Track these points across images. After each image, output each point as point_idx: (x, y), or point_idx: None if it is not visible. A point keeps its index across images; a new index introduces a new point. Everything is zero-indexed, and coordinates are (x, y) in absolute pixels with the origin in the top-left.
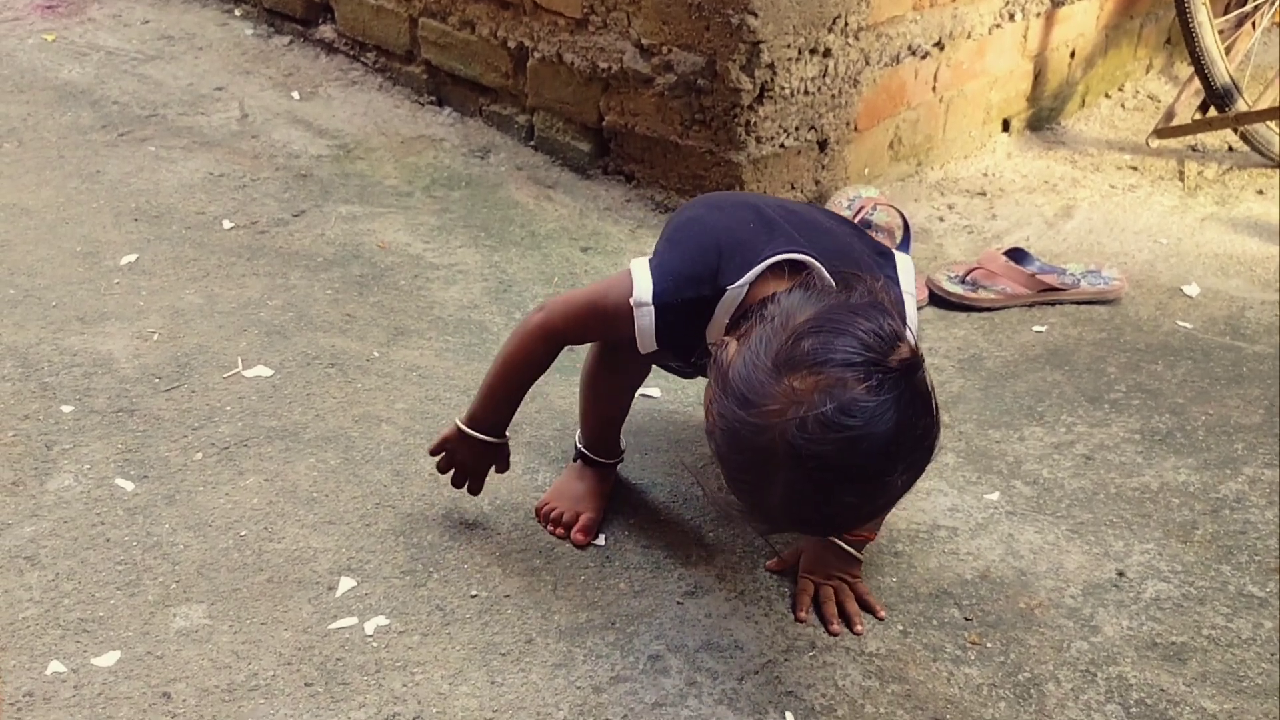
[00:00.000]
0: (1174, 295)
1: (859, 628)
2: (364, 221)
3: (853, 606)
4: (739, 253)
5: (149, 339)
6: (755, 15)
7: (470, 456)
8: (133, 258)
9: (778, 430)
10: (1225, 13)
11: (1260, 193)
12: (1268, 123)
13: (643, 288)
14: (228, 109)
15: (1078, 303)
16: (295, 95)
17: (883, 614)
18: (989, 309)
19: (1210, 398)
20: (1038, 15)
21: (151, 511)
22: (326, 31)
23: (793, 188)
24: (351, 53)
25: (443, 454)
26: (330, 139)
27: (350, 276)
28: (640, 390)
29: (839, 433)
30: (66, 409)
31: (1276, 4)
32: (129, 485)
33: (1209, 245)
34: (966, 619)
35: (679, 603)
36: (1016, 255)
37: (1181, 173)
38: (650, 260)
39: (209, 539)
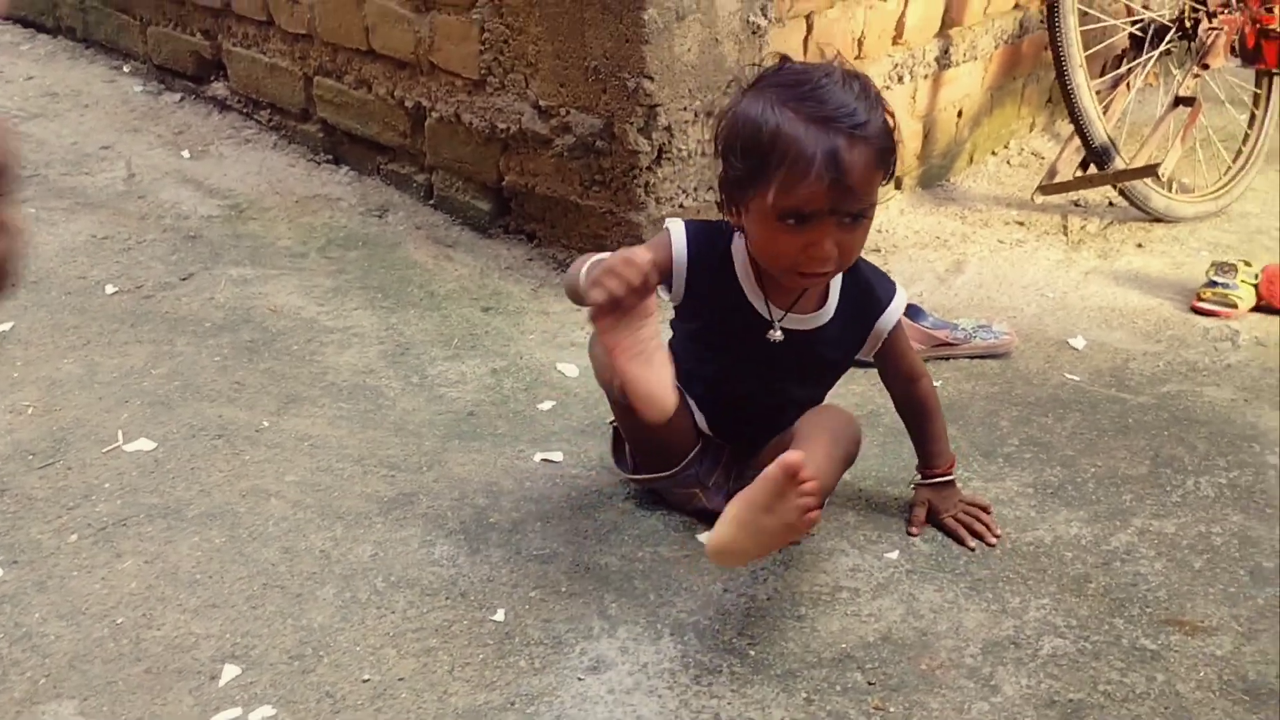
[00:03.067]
0: (1062, 348)
1: (991, 540)
2: (255, 284)
3: (978, 527)
4: None
5: (23, 413)
6: (651, 79)
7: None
8: (7, 326)
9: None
10: (1102, 74)
11: (1140, 246)
12: (1144, 179)
13: (671, 220)
14: (114, 168)
15: (970, 357)
16: (185, 154)
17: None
18: None
19: (1098, 449)
20: (925, 77)
21: (20, 599)
22: (219, 89)
23: None
24: (245, 110)
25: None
26: (221, 199)
27: (240, 342)
28: (542, 454)
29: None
30: None
31: (1149, 66)
32: None
33: (1093, 298)
34: (870, 683)
35: (580, 679)
36: (910, 311)
37: (1065, 227)
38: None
39: (82, 628)
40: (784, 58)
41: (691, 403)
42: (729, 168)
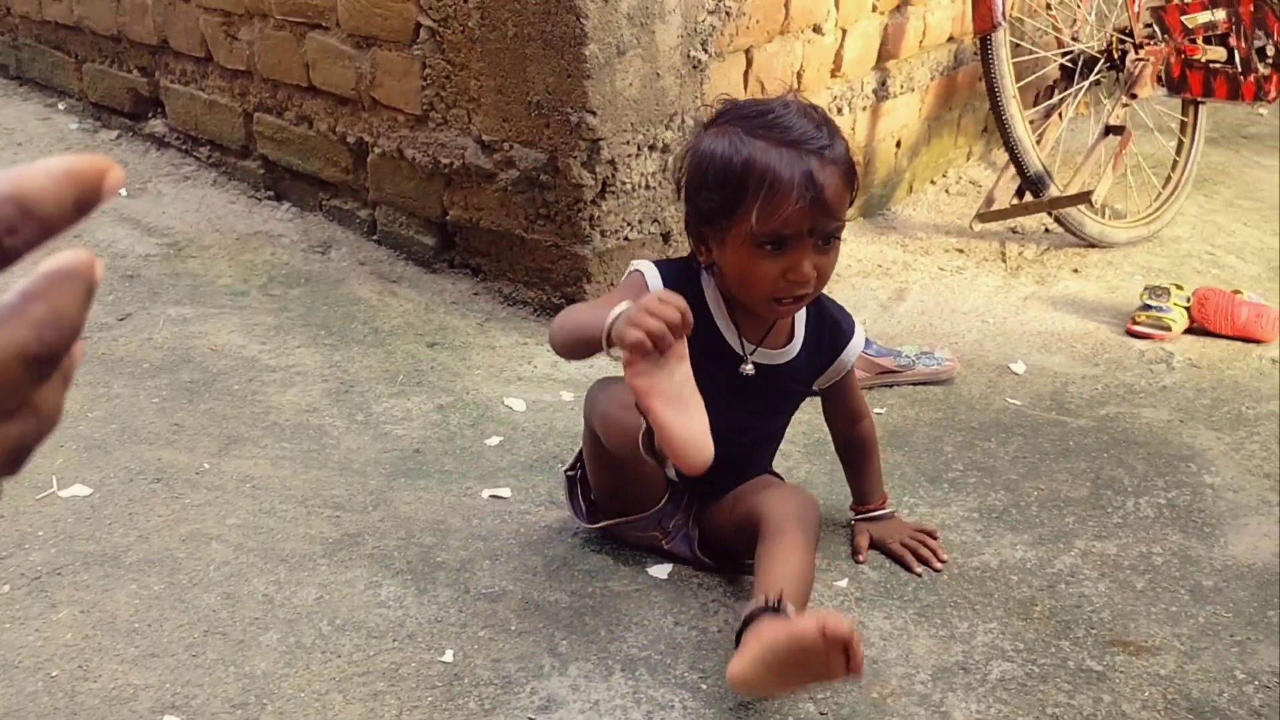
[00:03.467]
0: (1003, 373)
1: (937, 565)
2: (195, 324)
3: (924, 552)
4: None
5: None
6: (594, 114)
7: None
8: None
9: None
10: (1035, 104)
11: (1076, 271)
12: (1078, 206)
13: (636, 262)
14: None
15: (914, 384)
16: (123, 192)
17: (945, 558)
18: None
19: (1041, 472)
20: (864, 109)
21: None
22: (157, 126)
23: None
24: (184, 147)
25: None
26: (160, 237)
27: (179, 383)
28: (490, 491)
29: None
30: None
31: (1080, 96)
32: None
33: (1032, 323)
34: (822, 714)
35: (531, 719)
36: None
37: (1004, 254)
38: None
39: (15, 682)
40: (726, 97)
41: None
42: (700, 203)
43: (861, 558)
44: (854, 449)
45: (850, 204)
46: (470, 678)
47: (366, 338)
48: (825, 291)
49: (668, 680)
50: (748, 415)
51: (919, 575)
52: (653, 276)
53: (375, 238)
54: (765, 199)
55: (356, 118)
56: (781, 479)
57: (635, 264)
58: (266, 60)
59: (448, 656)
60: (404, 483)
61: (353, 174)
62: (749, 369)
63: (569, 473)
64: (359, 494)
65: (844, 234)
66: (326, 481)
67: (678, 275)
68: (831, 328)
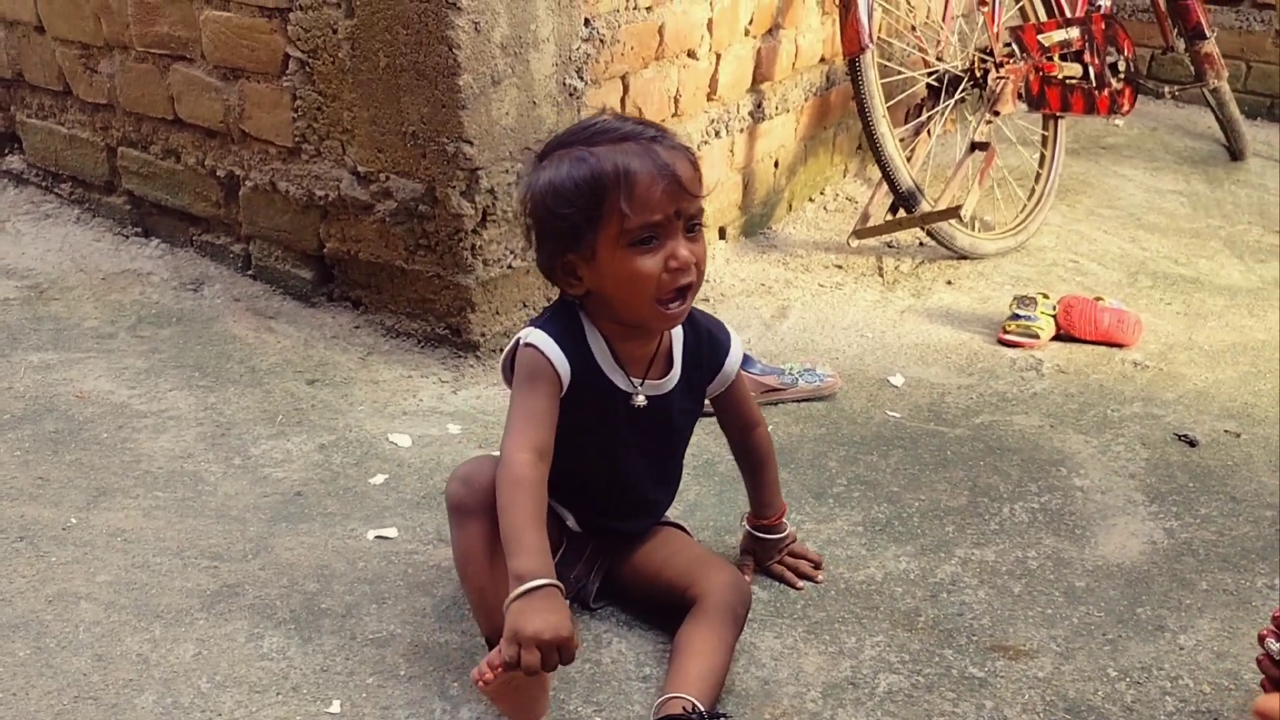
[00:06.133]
0: (882, 386)
1: (820, 577)
2: (59, 370)
3: (804, 567)
4: None
5: None
6: (470, 143)
7: (543, 620)
8: None
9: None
10: (905, 122)
11: (949, 283)
12: (948, 220)
13: (524, 333)
14: None
15: (798, 401)
16: None
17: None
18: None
19: (921, 483)
20: (741, 131)
21: None
22: (14, 162)
23: (524, 306)
24: (44, 184)
25: (505, 659)
26: (19, 279)
27: (43, 434)
28: (376, 531)
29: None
30: None
31: (946, 113)
32: None
33: (909, 336)
34: None
35: None
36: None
37: (880, 269)
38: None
39: None
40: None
41: (558, 506)
42: (559, 224)
43: (747, 576)
44: (746, 456)
45: (700, 186)
46: None
47: (243, 377)
48: (707, 310)
49: (562, 715)
50: (644, 456)
51: (800, 589)
52: (554, 351)
53: (250, 273)
54: (627, 190)
55: (226, 150)
56: (688, 532)
57: (526, 336)
58: (129, 93)
59: (335, 708)
60: (285, 528)
61: (224, 208)
62: (641, 400)
63: None
64: (238, 542)
65: (727, 254)
66: (203, 531)
67: (565, 329)
68: (709, 341)
